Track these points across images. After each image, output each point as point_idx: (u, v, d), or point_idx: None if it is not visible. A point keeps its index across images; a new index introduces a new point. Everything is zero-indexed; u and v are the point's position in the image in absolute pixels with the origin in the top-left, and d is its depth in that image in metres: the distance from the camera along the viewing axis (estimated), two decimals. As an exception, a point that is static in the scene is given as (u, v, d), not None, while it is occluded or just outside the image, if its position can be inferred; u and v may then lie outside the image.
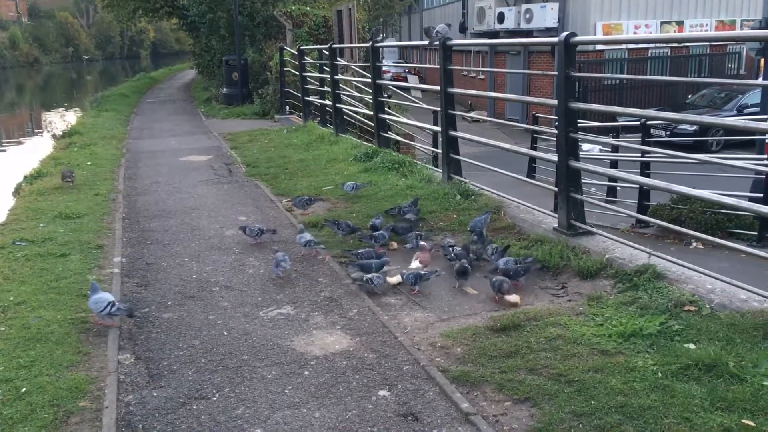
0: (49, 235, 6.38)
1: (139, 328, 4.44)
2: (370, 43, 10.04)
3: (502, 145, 7.04)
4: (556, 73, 5.57)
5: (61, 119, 17.09)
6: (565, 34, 5.46)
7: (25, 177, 10.02)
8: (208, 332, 4.33)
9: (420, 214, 6.58)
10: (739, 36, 16.91)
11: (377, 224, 6.11)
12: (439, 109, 7.87)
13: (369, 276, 4.98)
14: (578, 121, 5.76)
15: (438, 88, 7.71)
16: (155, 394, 3.58)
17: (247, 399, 3.50)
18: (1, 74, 60.82)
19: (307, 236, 5.83)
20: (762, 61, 13.92)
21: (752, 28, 20.89)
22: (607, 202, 12.05)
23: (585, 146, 14.24)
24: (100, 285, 5.05)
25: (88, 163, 9.95)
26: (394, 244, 5.97)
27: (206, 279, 5.34)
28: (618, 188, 11.83)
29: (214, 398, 3.52)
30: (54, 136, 14.34)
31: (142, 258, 5.88)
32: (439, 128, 8.10)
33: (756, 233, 8.76)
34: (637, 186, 10.24)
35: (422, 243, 5.58)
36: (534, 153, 8.17)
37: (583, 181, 5.87)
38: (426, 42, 8.03)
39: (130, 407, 3.47)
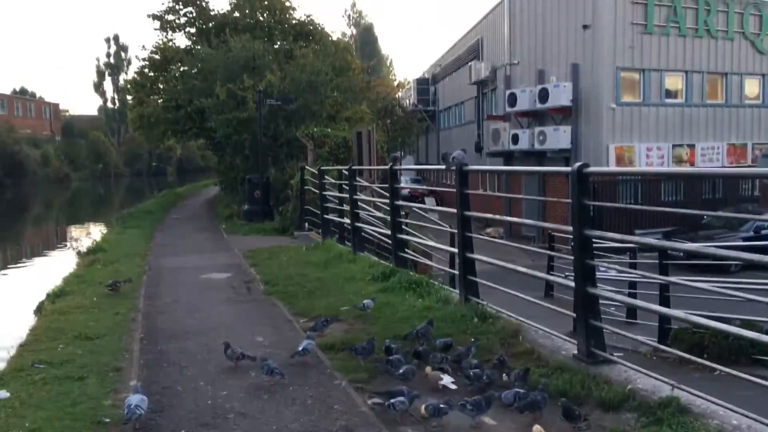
0: (67, 357, 6.42)
1: (152, 457, 4.37)
2: (389, 165, 10.40)
3: (519, 268, 7.10)
4: (570, 200, 5.72)
5: (87, 235, 17.56)
6: (578, 164, 5.65)
7: (48, 295, 10.17)
8: (220, 464, 4.25)
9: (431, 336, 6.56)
10: (751, 173, 17.26)
11: (393, 348, 6.07)
12: (455, 230, 8.02)
13: (392, 401, 4.90)
14: (594, 241, 5.84)
15: (455, 210, 7.90)
16: None
17: None
18: (32, 190, 62.99)
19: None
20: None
21: (764, 154, 21.38)
22: (627, 323, 11.92)
23: (601, 270, 14.25)
24: (115, 411, 5.04)
25: (106, 287, 10.11)
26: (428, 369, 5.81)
27: (221, 405, 5.28)
28: (638, 311, 11.72)
29: None
30: (78, 252, 14.68)
31: (159, 381, 5.85)
32: (456, 249, 8.21)
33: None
34: (656, 304, 10.16)
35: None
36: (550, 278, 8.20)
37: (602, 301, 5.87)
38: (443, 167, 8.32)
39: None
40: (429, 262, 11.33)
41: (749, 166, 24.05)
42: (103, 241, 15.91)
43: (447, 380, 5.40)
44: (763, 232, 18.35)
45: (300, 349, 6.23)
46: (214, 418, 5.02)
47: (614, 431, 4.39)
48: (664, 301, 10.65)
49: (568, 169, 5.81)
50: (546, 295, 13.74)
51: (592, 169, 5.75)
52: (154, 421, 4.98)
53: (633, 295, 10.71)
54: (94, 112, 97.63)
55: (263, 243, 15.38)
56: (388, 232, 10.70)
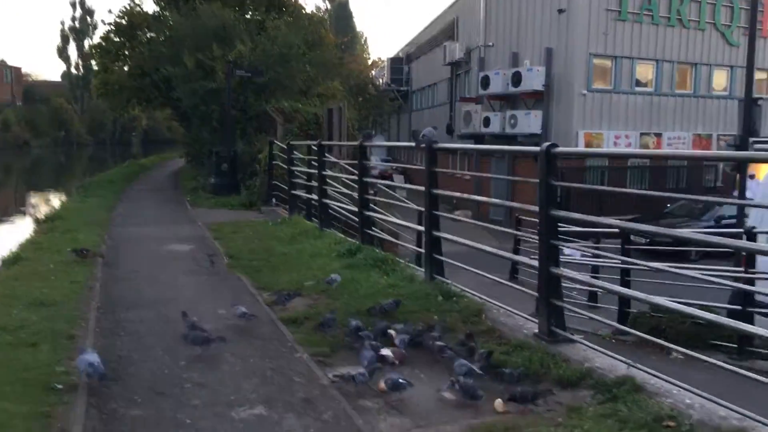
0: (21, 323, 6.24)
1: (104, 426, 4.28)
2: (359, 142, 10.30)
3: (485, 248, 7.11)
4: (537, 180, 5.72)
5: (46, 203, 17.11)
6: (546, 144, 5.65)
7: (3, 261, 9.89)
8: (176, 432, 4.18)
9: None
10: (714, 156, 17.58)
11: (357, 325, 6.03)
12: (423, 209, 8.00)
13: (353, 374, 4.89)
14: (560, 226, 5.87)
15: (423, 188, 7.86)
16: (115, 500, 3.41)
17: (212, 508, 3.34)
18: (-10, 156, 61.24)
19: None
20: (738, 176, 14.40)
21: (728, 144, 21.78)
22: (588, 307, 12.09)
23: (567, 251, 14.44)
24: (68, 378, 4.93)
25: (68, 249, 9.87)
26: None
27: (179, 375, 5.20)
28: (599, 293, 11.90)
29: (177, 506, 3.36)
30: (36, 220, 14.30)
31: (115, 350, 5.74)
32: (422, 228, 8.20)
33: (736, 345, 8.78)
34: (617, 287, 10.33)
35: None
36: (515, 257, 8.25)
37: (564, 284, 5.92)
38: (413, 144, 8.26)
39: None
40: (396, 241, 11.32)
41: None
42: (63, 209, 15.52)
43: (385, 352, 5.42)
44: (724, 222, 18.76)
45: (242, 312, 6.46)
46: (171, 387, 4.94)
47: (571, 408, 4.43)
48: (625, 286, 10.82)
49: (537, 148, 5.82)
50: (511, 277, 13.88)
51: (560, 149, 5.75)
52: (108, 389, 4.88)
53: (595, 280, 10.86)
54: (58, 79, 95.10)
55: (229, 217, 15.19)
56: (356, 209, 10.64)
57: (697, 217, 20.31)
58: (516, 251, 14.23)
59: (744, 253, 9.24)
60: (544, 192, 5.62)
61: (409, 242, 11.52)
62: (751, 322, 8.31)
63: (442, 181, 7.90)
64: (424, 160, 7.84)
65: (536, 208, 5.79)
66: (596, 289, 11.70)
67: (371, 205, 10.73)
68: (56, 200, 21.98)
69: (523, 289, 6.66)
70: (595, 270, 12.18)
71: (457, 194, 8.12)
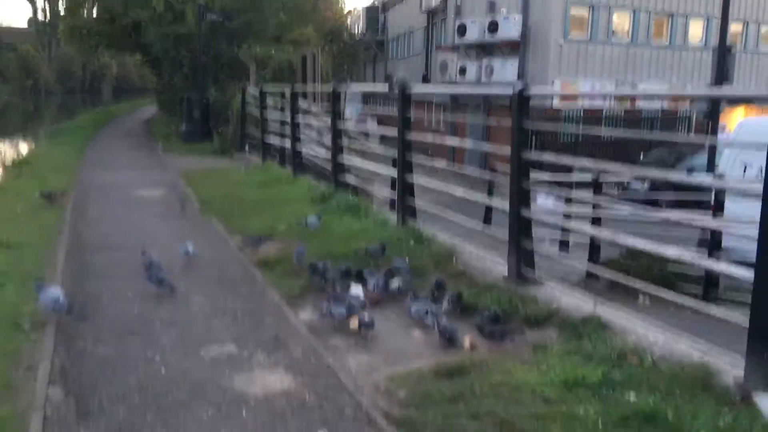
0: (-14, 264, 6.15)
1: (72, 362, 4.26)
2: (332, 87, 10.14)
3: (456, 191, 7.11)
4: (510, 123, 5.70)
5: (13, 149, 16.68)
6: (519, 86, 5.61)
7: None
8: (144, 369, 4.18)
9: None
10: (684, 95, 17.63)
11: (325, 267, 6.02)
12: (396, 154, 7.95)
13: (331, 310, 4.92)
14: (532, 175, 5.87)
15: (396, 133, 7.79)
16: (83, 432, 3.42)
17: (180, 440, 3.36)
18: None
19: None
20: (710, 123, 14.52)
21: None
22: (560, 246, 12.23)
23: (539, 200, 14.53)
24: (35, 317, 4.88)
25: (36, 194, 9.68)
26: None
27: (148, 315, 5.18)
28: (570, 244, 12.02)
29: (145, 438, 3.38)
30: (3, 164, 13.97)
31: (83, 291, 5.69)
32: (395, 173, 8.15)
33: (702, 293, 8.96)
34: (588, 241, 10.47)
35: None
36: (485, 200, 8.28)
37: (536, 236, 5.96)
38: (387, 89, 8.15)
39: (54, 445, 3.29)
40: (369, 187, 11.26)
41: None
42: (31, 155, 15.18)
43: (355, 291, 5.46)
44: (695, 173, 18.96)
45: (187, 250, 6.58)
46: (140, 326, 4.93)
47: (537, 345, 4.50)
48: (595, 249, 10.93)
49: (509, 91, 5.77)
50: (484, 224, 13.94)
51: (532, 92, 5.72)
52: (76, 328, 4.84)
53: (566, 229, 10.95)
54: (24, 25, 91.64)
55: (201, 163, 14.98)
56: (329, 155, 10.54)
57: (669, 167, 20.50)
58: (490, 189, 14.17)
59: (712, 201, 9.36)
60: (516, 134, 5.61)
61: (383, 192, 11.47)
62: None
63: (418, 136, 7.84)
64: (397, 105, 7.75)
65: (508, 149, 5.79)
66: (567, 239, 11.84)
67: (344, 151, 10.65)
68: (24, 147, 21.47)
69: (492, 234, 6.69)
70: (566, 218, 12.27)
71: (429, 135, 8.06)
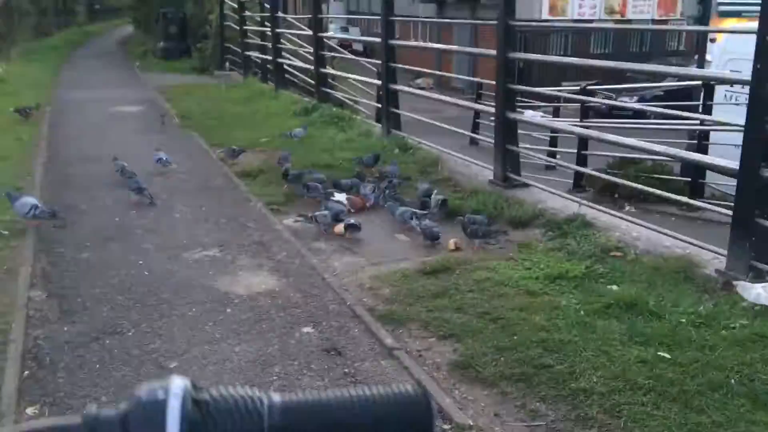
0: (-39, 176, 6.01)
1: (53, 267, 4.22)
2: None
3: (442, 97, 6.99)
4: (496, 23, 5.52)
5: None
6: (504, 17, 5.39)
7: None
8: (127, 272, 4.15)
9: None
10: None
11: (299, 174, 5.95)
12: (381, 62, 7.74)
13: (315, 214, 4.89)
14: (518, 98, 5.75)
15: (379, 40, 7.57)
16: (66, 329, 3.41)
17: (165, 335, 3.36)
18: None
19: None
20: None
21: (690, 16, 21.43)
22: (546, 168, 12.22)
23: (527, 113, 14.37)
24: (14, 226, 4.81)
25: (11, 109, 9.40)
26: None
27: (129, 223, 5.12)
28: (557, 156, 11.97)
29: (129, 333, 3.37)
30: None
31: (62, 201, 5.58)
32: (380, 82, 7.97)
33: (687, 199, 9.01)
34: (575, 152, 10.41)
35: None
36: (471, 105, 8.17)
37: (523, 154, 5.88)
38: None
39: (38, 341, 3.29)
40: (354, 100, 11.05)
41: (678, 20, 24.20)
42: (4, 72, 14.66)
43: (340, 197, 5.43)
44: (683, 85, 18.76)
45: (160, 158, 6.48)
46: (121, 233, 4.87)
47: (522, 244, 4.51)
48: (583, 149, 10.88)
49: (494, 22, 5.58)
50: (471, 143, 13.83)
51: (518, 22, 5.53)
52: (56, 236, 4.78)
53: (554, 146, 10.88)
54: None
55: (180, 81, 14.56)
56: (311, 67, 10.28)
57: (659, 83, 20.27)
58: (476, 124, 13.95)
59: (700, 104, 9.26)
60: (502, 34, 5.44)
61: (369, 109, 11.26)
62: (703, 173, 8.48)
63: (403, 53, 7.62)
64: (382, 9, 7.49)
65: (493, 52, 5.63)
66: (554, 150, 11.78)
67: (327, 65, 10.38)
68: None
69: (479, 137, 6.61)
70: (552, 139, 12.18)
71: (414, 44, 7.84)
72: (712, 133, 8.92)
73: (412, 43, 7.93)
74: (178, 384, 0.50)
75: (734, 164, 3.61)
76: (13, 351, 3.13)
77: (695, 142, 8.38)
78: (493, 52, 5.61)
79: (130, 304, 3.70)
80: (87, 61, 20.38)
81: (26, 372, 3.02)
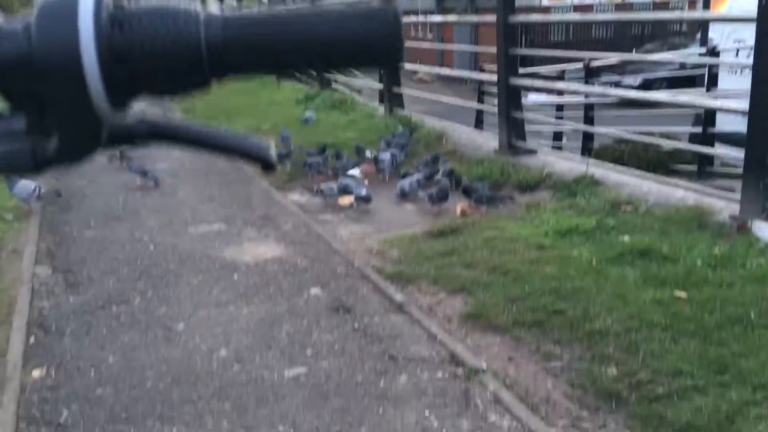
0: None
1: (58, 245, 4.18)
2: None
3: (444, 71, 6.91)
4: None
5: None
6: (504, 13, 5.33)
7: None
8: (132, 247, 4.11)
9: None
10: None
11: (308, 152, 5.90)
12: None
13: (321, 187, 4.84)
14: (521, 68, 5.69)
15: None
16: (72, 300, 3.37)
17: (171, 301, 3.32)
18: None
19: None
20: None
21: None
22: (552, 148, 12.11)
23: (530, 96, 14.25)
24: (18, 209, 4.79)
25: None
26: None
27: (134, 204, 5.09)
28: (563, 135, 11.87)
29: (135, 301, 3.33)
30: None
31: (66, 187, 5.53)
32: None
33: (696, 168, 8.89)
34: (581, 130, 10.31)
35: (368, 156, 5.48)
36: (474, 75, 8.08)
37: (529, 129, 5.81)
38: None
39: (44, 311, 3.25)
40: (354, 84, 10.98)
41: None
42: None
43: (353, 172, 5.38)
44: (688, 65, 18.59)
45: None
46: (126, 213, 4.84)
47: (530, 205, 4.44)
48: (589, 123, 10.77)
49: (493, 19, 5.53)
50: (476, 126, 13.72)
51: (518, 18, 5.49)
52: (61, 218, 4.75)
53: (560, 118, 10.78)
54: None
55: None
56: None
57: (664, 62, 20.08)
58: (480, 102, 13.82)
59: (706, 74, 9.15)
60: (503, 60, 5.37)
61: (372, 97, 11.21)
62: (711, 143, 8.37)
63: (408, 50, 7.55)
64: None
65: (494, 18, 5.56)
66: (561, 127, 11.66)
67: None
68: None
69: (484, 107, 6.55)
70: (559, 110, 12.06)
71: (418, 18, 7.79)
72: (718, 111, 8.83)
73: (415, 19, 7.86)
74: None
75: (744, 105, 3.52)
76: (18, 320, 3.10)
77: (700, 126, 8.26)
78: (494, 17, 5.54)
79: (136, 275, 3.66)
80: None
81: (32, 339, 2.98)
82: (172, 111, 9.88)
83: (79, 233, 4.39)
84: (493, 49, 5.65)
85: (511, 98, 5.49)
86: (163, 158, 6.50)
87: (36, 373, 2.69)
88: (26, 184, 4.68)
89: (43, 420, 2.39)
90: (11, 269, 3.77)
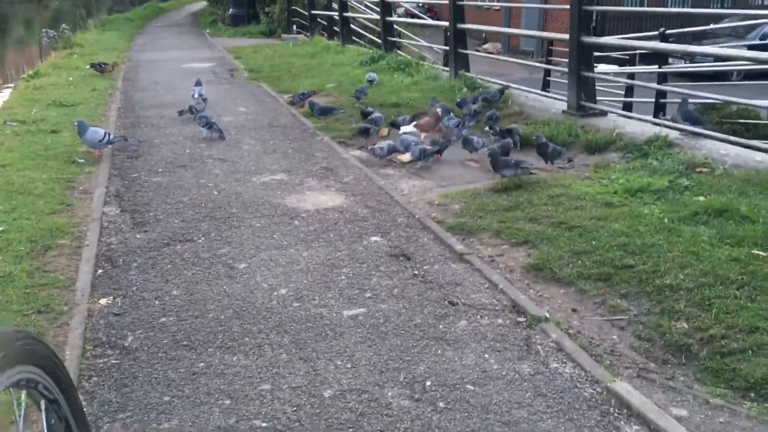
0: (41, 117, 6.22)
1: (126, 189, 4.29)
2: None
3: (513, 30, 6.71)
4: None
5: (64, 36, 16.61)
6: None
7: (22, 78, 9.79)
8: (197, 192, 4.18)
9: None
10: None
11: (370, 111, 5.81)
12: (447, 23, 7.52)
13: (373, 146, 4.79)
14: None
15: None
16: (139, 237, 3.46)
17: (234, 242, 3.36)
18: (10, 9, 59.77)
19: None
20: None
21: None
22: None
23: (600, 67, 13.73)
24: (89, 156, 4.93)
25: (87, 66, 9.68)
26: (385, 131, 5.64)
27: (200, 153, 5.16)
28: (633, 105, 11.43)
29: (200, 240, 3.39)
30: (54, 47, 13.96)
31: (135, 137, 5.70)
32: (447, 23, 7.77)
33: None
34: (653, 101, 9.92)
35: (432, 109, 5.39)
36: (546, 34, 7.84)
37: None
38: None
39: (112, 246, 3.34)
40: (419, 41, 10.83)
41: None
42: (81, 39, 15.12)
43: (409, 128, 5.27)
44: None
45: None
46: (192, 162, 4.92)
47: (598, 166, 4.29)
48: (660, 108, 10.32)
49: None
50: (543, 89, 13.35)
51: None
52: (130, 164, 4.87)
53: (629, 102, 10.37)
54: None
55: (248, 43, 14.69)
56: (377, 17, 10.15)
57: (742, 36, 19.06)
58: (546, 82, 13.38)
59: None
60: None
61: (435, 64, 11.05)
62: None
63: (470, 17, 7.42)
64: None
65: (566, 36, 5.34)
66: (631, 99, 11.23)
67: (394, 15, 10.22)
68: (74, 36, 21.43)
69: (553, 67, 6.34)
70: (629, 91, 11.61)
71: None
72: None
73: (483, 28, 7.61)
74: None
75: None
76: (87, 253, 3.19)
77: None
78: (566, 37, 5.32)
79: (200, 217, 3.72)
80: (160, 31, 20.83)
81: (100, 271, 3.07)
82: (239, 70, 10.00)
83: (147, 178, 4.49)
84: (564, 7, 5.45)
85: (582, 57, 5.30)
86: (229, 112, 6.58)
87: (103, 302, 2.77)
88: (95, 131, 4.80)
89: (108, 343, 2.46)
90: (82, 207, 3.89)
